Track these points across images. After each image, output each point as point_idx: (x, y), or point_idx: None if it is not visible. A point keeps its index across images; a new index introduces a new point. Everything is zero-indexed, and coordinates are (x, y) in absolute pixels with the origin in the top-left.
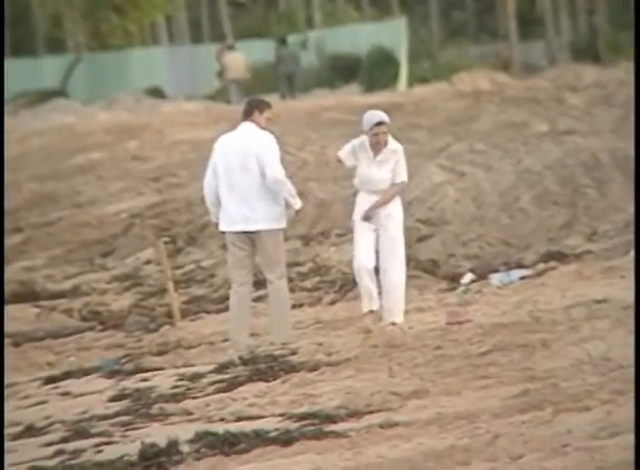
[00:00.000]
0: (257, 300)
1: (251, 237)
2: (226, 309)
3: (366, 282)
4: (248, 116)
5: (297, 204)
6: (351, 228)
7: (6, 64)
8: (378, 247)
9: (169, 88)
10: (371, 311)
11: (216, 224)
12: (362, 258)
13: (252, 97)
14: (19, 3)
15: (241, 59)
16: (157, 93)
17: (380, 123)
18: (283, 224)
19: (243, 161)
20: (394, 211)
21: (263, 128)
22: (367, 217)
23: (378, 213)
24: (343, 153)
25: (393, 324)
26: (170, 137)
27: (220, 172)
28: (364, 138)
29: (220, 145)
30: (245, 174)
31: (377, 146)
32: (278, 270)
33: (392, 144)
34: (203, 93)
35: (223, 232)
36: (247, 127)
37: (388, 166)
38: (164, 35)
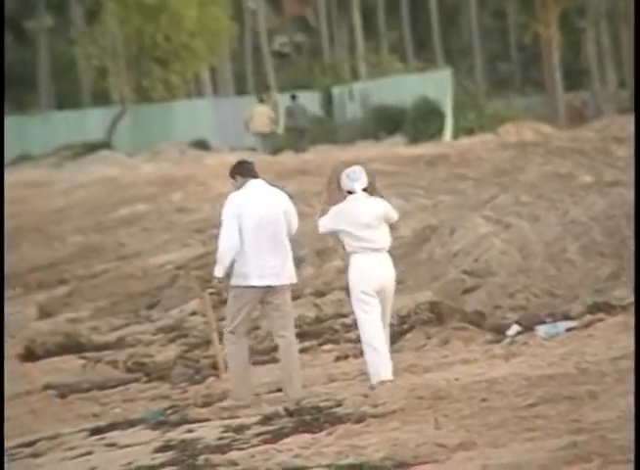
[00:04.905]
0: (302, 351)
1: (266, 292)
2: (272, 361)
3: (385, 352)
4: (254, 174)
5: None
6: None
7: (52, 116)
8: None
9: (214, 140)
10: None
11: (222, 278)
12: (377, 331)
13: (243, 159)
14: (64, 56)
15: (264, 113)
16: (201, 145)
17: None
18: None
19: (272, 217)
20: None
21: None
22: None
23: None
24: None
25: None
26: (214, 189)
27: (248, 229)
28: None
29: (243, 203)
30: (273, 230)
31: None
32: (291, 325)
33: None
34: (247, 145)
35: (235, 286)
36: (260, 185)
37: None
38: (209, 87)
